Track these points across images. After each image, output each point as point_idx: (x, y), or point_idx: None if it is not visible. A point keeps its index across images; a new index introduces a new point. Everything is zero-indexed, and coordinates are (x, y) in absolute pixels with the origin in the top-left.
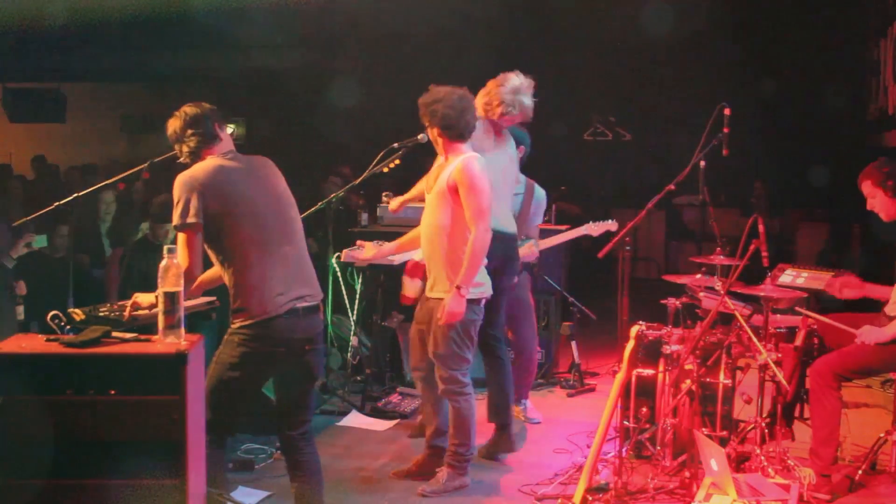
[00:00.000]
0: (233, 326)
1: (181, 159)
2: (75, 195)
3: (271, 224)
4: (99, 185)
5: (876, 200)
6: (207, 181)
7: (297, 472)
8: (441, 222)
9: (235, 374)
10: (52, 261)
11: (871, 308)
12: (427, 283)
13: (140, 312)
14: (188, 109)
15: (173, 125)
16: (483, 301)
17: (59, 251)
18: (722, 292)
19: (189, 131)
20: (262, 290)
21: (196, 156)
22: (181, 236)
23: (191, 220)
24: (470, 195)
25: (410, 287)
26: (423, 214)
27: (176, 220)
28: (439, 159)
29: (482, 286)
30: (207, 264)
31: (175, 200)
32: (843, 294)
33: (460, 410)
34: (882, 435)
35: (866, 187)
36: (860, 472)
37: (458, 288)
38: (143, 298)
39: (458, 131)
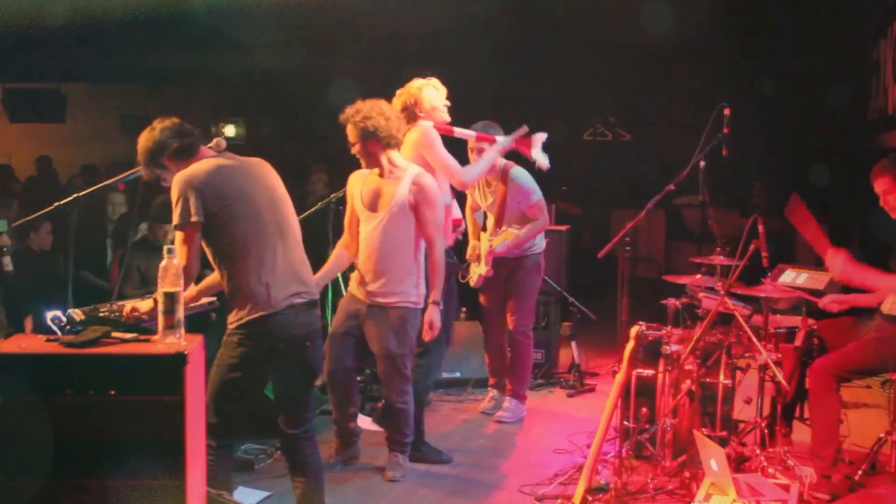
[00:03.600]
0: (230, 327)
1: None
2: (75, 195)
3: (267, 222)
4: (99, 186)
5: (891, 196)
6: (206, 180)
7: (299, 472)
8: (403, 238)
9: (237, 375)
10: (40, 260)
11: (867, 310)
12: (371, 291)
13: (138, 314)
14: (163, 124)
15: (152, 138)
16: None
17: (43, 248)
18: (722, 292)
19: (174, 138)
20: (259, 287)
21: (188, 156)
22: (180, 235)
23: (192, 218)
24: (431, 210)
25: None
26: (372, 230)
27: (176, 219)
28: (360, 173)
29: (423, 294)
30: (207, 266)
31: (174, 200)
32: (828, 307)
33: (406, 410)
34: (882, 435)
35: (883, 183)
36: (860, 472)
37: (437, 303)
38: (142, 305)
39: (397, 141)
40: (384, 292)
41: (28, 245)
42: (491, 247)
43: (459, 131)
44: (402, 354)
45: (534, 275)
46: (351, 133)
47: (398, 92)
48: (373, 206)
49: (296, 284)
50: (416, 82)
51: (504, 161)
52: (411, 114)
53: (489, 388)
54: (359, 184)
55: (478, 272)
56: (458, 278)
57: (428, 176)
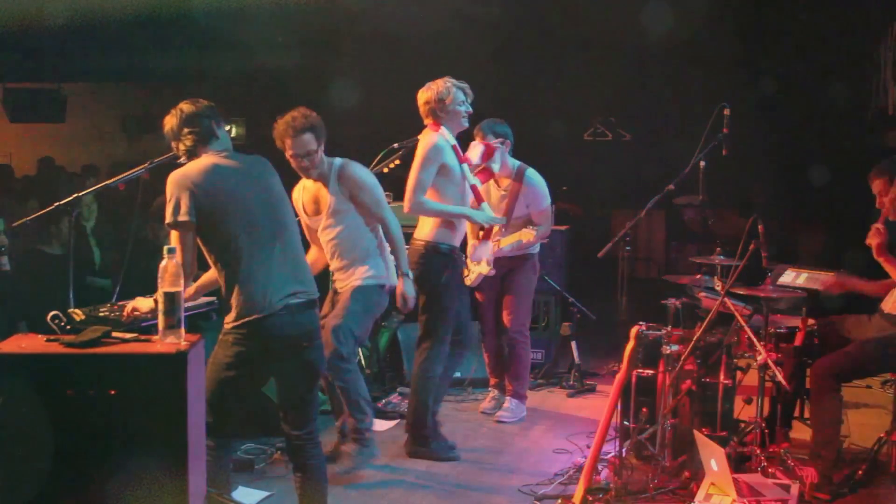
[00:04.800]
0: (226, 326)
1: (179, 158)
2: (75, 195)
3: (264, 223)
4: (99, 186)
5: (888, 198)
6: (200, 180)
7: (301, 472)
8: (352, 228)
9: (231, 374)
10: (51, 260)
11: (868, 309)
12: (336, 279)
13: (138, 314)
14: (185, 107)
15: (170, 122)
16: (386, 287)
17: (61, 243)
18: (722, 292)
19: (185, 129)
20: (255, 288)
21: (192, 154)
22: (174, 234)
23: (182, 218)
24: (366, 193)
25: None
26: (322, 232)
27: (168, 217)
28: (299, 185)
29: (388, 269)
30: (205, 265)
31: (167, 198)
32: (831, 290)
33: (345, 388)
34: (882, 435)
35: (879, 185)
36: (860, 472)
37: (406, 274)
38: (143, 304)
39: (324, 138)
40: (343, 277)
41: (42, 243)
42: (498, 245)
43: (471, 156)
44: (338, 325)
45: (530, 275)
46: (293, 144)
47: (428, 84)
48: (316, 211)
49: (292, 285)
50: (449, 80)
51: (519, 162)
52: (432, 110)
53: (489, 389)
54: (300, 196)
55: (478, 271)
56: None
57: (350, 164)
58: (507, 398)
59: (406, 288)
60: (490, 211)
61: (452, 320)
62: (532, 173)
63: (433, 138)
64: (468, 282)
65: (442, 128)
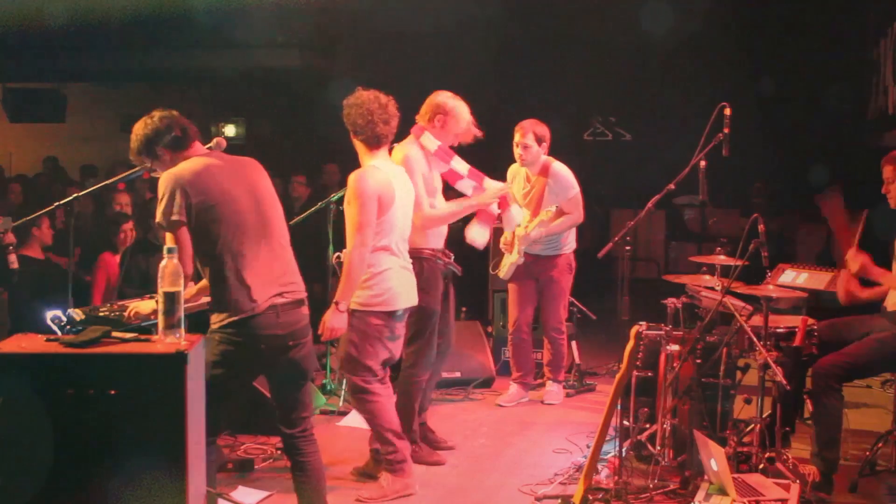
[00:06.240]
0: (212, 326)
1: (149, 165)
2: (75, 195)
3: (251, 223)
4: (98, 185)
5: (892, 185)
6: (191, 179)
7: (299, 472)
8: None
9: (218, 373)
10: (32, 263)
11: (869, 310)
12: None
13: (140, 318)
14: (162, 114)
15: (151, 125)
16: (398, 311)
17: (45, 243)
18: (722, 292)
19: (164, 137)
20: (240, 288)
21: (174, 159)
22: (168, 235)
23: (174, 217)
24: (349, 208)
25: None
26: None
27: (159, 217)
28: None
29: (382, 296)
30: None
31: (159, 197)
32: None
33: (367, 418)
34: (882, 435)
35: (889, 171)
36: (860, 472)
37: (336, 304)
38: (144, 307)
39: (365, 136)
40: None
41: (30, 243)
42: (526, 231)
43: (455, 166)
44: (343, 359)
45: (566, 274)
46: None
47: (453, 95)
48: None
49: (278, 285)
50: (468, 115)
51: (545, 156)
52: (436, 115)
53: (511, 382)
54: None
55: (509, 261)
56: (457, 272)
57: (368, 173)
58: (549, 382)
59: (327, 317)
60: (493, 184)
61: (437, 323)
62: (557, 165)
63: (406, 151)
64: (501, 274)
65: (425, 133)
